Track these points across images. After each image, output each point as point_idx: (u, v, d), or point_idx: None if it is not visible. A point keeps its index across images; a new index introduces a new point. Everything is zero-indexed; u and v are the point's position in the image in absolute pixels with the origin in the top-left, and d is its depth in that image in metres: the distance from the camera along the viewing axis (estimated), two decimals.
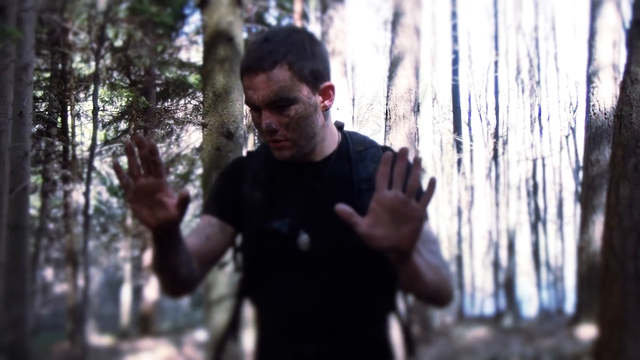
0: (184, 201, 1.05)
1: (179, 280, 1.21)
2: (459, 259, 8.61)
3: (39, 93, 8.24)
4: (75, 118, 9.14)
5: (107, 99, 8.96)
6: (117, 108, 10.17)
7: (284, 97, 1.16)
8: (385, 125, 4.75)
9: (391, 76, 4.78)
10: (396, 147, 4.39)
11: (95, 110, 6.55)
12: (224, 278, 3.22)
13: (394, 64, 4.75)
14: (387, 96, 4.78)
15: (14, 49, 5.37)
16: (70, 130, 9.00)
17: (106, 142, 8.64)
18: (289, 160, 1.24)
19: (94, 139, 6.49)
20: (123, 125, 10.41)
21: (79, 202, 9.16)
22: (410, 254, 1.01)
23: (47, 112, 9.25)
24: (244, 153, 1.36)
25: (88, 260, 7.00)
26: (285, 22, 7.48)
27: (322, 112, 1.26)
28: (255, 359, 1.31)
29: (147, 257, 9.33)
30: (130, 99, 8.78)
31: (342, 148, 1.30)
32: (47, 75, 9.15)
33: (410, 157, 0.99)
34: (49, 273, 10.93)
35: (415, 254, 1.04)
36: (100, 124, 7.03)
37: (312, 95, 1.20)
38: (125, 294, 9.48)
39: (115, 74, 9.51)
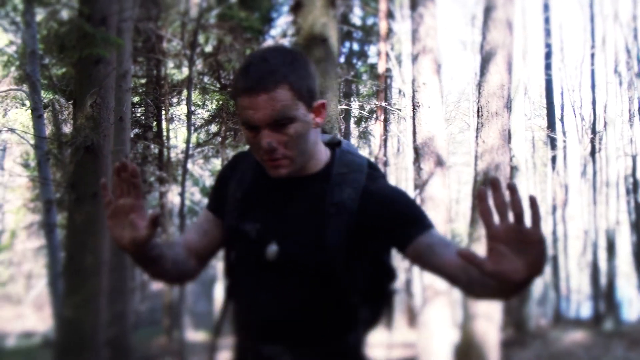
0: (154, 222, 1.12)
1: (173, 279, 1.39)
2: (554, 260, 8.32)
3: (136, 99, 8.62)
4: (169, 122, 9.50)
5: (199, 103, 9.27)
6: (208, 111, 10.50)
7: (286, 116, 1.19)
8: (477, 123, 4.66)
9: (482, 72, 4.69)
10: (489, 145, 4.26)
11: (189, 113, 6.79)
12: None
13: (486, 59, 4.66)
14: (479, 93, 4.69)
15: (115, 58, 5.65)
16: (165, 133, 9.38)
17: (198, 144, 8.95)
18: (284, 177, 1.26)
19: (188, 141, 6.73)
20: (214, 128, 10.72)
21: (173, 203, 9.52)
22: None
23: (143, 117, 9.67)
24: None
25: None
26: (370, 21, 7.47)
27: (314, 130, 1.28)
28: (232, 357, 1.38)
29: None
30: (221, 102, 9.04)
31: (326, 168, 1.32)
32: (143, 81, 9.56)
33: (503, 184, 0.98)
34: None
35: None
36: (192, 127, 7.28)
37: (307, 113, 1.23)
38: (219, 291, 9.74)
39: (206, 78, 9.83)
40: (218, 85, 9.82)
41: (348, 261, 1.25)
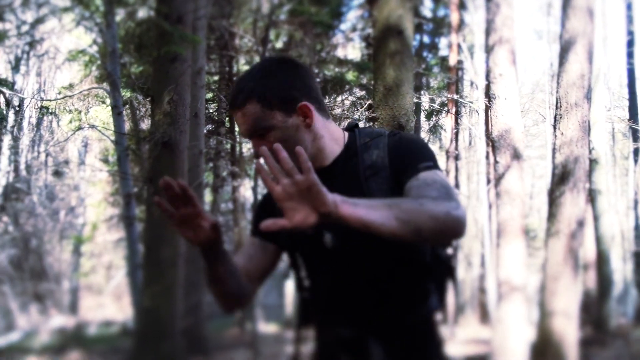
0: (215, 227, 1.26)
1: (229, 292, 1.39)
2: (636, 256, 7.97)
3: (209, 95, 8.82)
4: None
5: None
6: None
7: (260, 127, 1.30)
8: (555, 115, 4.52)
9: (561, 62, 4.54)
10: (568, 137, 4.13)
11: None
12: None
13: (565, 49, 4.51)
14: (557, 83, 4.55)
15: (190, 55, 5.78)
16: (237, 129, 9.56)
17: None
18: None
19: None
20: None
21: (245, 197, 9.70)
22: (334, 213, 1.07)
23: (216, 113, 9.89)
24: None
25: None
26: (441, 13, 7.37)
27: (307, 129, 1.34)
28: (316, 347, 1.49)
29: None
30: None
31: (349, 146, 1.39)
32: (216, 78, 9.77)
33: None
34: None
35: (362, 211, 1.08)
36: None
37: (287, 119, 1.31)
38: (290, 285, 9.86)
39: None
40: None
41: None
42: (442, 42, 7.08)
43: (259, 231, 1.42)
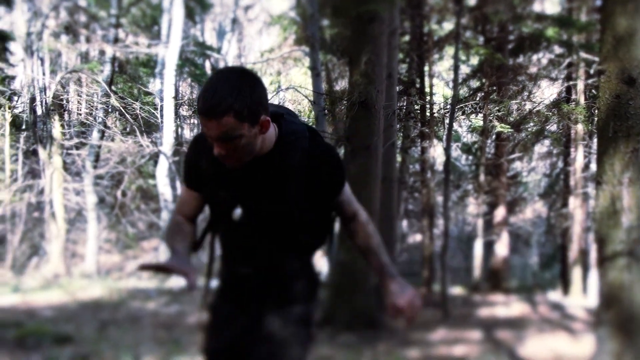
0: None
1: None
2: None
3: (400, 55, 8.81)
4: (432, 78, 9.55)
5: (463, 58, 9.15)
6: (469, 67, 10.31)
7: (230, 136, 1.54)
8: None
9: None
10: None
11: (457, 68, 6.71)
12: (620, 234, 3.01)
13: None
14: None
15: (387, 15, 5.79)
16: (428, 89, 9.46)
17: (459, 100, 8.86)
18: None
19: (455, 96, 6.69)
20: (475, 83, 10.52)
21: (434, 158, 9.63)
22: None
23: (407, 73, 9.87)
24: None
25: (449, 214, 7.30)
26: None
27: (261, 135, 1.63)
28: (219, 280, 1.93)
29: (499, 213, 9.38)
30: (485, 56, 8.81)
31: (278, 143, 1.70)
32: (407, 38, 9.72)
33: None
34: (403, 224, 11.80)
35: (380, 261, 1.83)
36: (455, 83, 7.19)
37: (252, 128, 1.56)
38: (477, 248, 9.69)
39: (468, 33, 9.64)
40: (482, 39, 9.58)
41: (297, 209, 1.71)
42: None
43: (196, 185, 1.80)
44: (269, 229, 1.75)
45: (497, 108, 9.42)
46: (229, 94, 1.51)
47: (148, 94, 12.38)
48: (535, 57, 9.06)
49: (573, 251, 9.33)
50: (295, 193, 1.70)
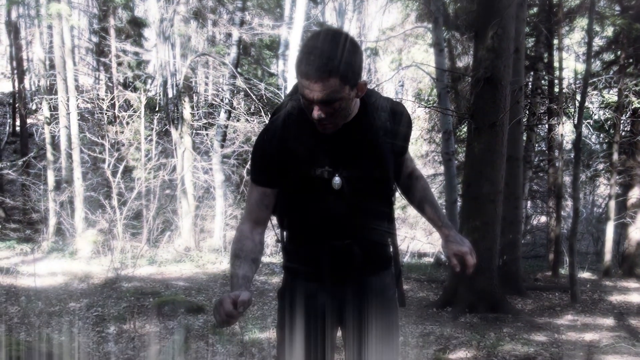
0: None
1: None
2: None
3: (527, 29, 8.43)
4: (561, 51, 9.06)
5: (597, 30, 8.60)
6: (603, 39, 9.68)
7: (333, 98, 1.53)
8: None
9: None
10: None
11: (590, 40, 6.33)
12: None
13: None
14: None
15: None
16: (557, 63, 9.01)
17: (592, 75, 8.36)
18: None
19: (587, 71, 6.33)
20: (609, 57, 9.86)
21: (562, 136, 9.20)
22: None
23: (534, 47, 9.45)
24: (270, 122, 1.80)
25: (578, 195, 6.94)
26: None
27: (357, 98, 1.64)
28: (290, 261, 1.84)
29: (633, 194, 8.81)
30: (621, 27, 8.22)
31: (362, 109, 1.70)
32: (535, 10, 9.29)
33: None
34: (527, 204, 11.37)
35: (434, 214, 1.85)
36: (588, 56, 6.77)
37: (351, 92, 1.56)
38: (609, 232, 9.16)
39: (602, 1, 9.04)
40: (618, 8, 8.96)
41: (391, 170, 1.73)
42: None
43: (269, 181, 1.74)
44: (367, 195, 1.72)
45: (634, 82, 8.84)
46: (335, 55, 1.51)
47: (272, 75, 12.74)
48: None
49: None
50: (388, 154, 1.71)
